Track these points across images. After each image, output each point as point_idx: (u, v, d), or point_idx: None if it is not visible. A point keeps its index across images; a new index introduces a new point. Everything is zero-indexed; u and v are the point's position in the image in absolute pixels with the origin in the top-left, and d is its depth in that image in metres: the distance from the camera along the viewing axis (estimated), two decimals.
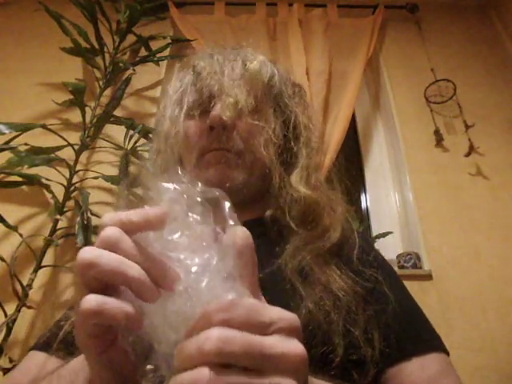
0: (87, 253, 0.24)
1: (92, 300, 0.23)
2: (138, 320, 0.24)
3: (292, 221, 0.53)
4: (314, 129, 0.64)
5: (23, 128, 1.43)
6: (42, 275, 1.34)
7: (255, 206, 0.58)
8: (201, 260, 0.25)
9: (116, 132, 1.66)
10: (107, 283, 0.25)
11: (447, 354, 0.48)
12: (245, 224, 0.27)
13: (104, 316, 0.23)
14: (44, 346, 0.48)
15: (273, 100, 0.61)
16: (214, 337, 0.21)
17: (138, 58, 1.86)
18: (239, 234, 0.26)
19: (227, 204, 0.27)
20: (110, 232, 0.25)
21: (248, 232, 0.27)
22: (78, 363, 0.32)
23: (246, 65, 0.59)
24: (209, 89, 0.57)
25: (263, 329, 0.22)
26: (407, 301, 0.53)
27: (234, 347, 0.21)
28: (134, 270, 0.24)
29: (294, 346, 0.22)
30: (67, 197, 1.44)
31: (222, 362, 0.21)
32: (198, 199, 0.27)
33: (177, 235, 0.26)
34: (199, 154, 0.56)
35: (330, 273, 0.47)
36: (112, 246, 0.24)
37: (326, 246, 0.50)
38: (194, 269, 0.25)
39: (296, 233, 0.52)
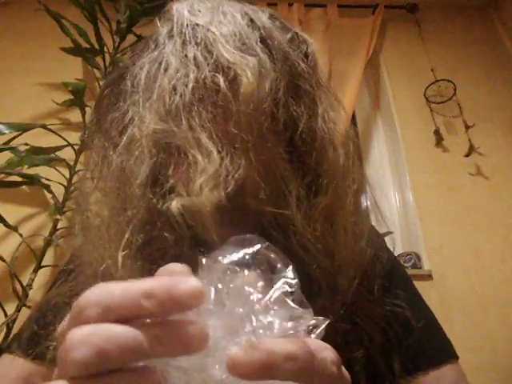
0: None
1: None
2: None
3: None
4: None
5: (23, 128, 1.43)
6: (42, 275, 1.34)
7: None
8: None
9: None
10: None
11: (458, 358, 0.48)
12: None
13: None
14: (26, 352, 0.41)
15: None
16: None
17: None
18: None
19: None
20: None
21: None
22: None
23: (229, 82, 0.36)
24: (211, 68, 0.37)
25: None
26: (423, 312, 0.51)
27: None
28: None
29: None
30: (67, 197, 1.44)
31: None
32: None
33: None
34: None
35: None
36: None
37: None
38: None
39: None
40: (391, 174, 1.86)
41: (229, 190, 0.33)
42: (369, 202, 0.49)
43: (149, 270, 0.37)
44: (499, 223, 1.61)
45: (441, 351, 0.48)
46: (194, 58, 0.36)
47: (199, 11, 0.40)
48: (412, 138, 1.81)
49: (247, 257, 0.22)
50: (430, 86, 1.88)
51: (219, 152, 0.34)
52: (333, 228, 0.40)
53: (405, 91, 1.94)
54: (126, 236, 0.36)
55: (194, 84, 0.35)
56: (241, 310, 0.20)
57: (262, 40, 0.39)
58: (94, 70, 1.73)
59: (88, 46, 1.70)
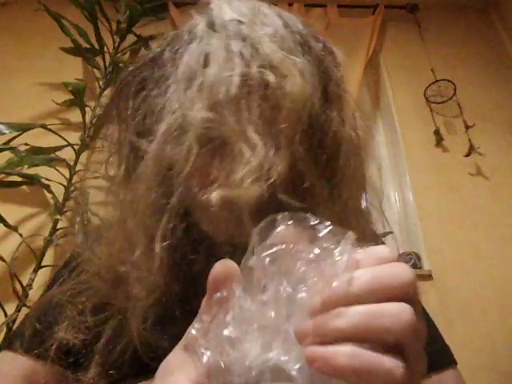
0: None
1: None
2: None
3: None
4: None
5: (23, 128, 1.43)
6: (42, 275, 1.34)
7: None
8: None
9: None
10: None
11: (457, 363, 0.49)
12: None
13: None
14: (28, 350, 0.41)
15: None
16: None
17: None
18: None
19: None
20: None
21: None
22: None
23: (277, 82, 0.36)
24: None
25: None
26: (425, 317, 0.52)
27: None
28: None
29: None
30: (67, 197, 1.44)
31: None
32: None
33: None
34: None
35: None
36: None
37: None
38: None
39: None
40: (391, 174, 1.86)
41: (269, 183, 0.34)
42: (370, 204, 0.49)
43: (178, 264, 0.37)
44: (499, 223, 1.61)
45: (442, 356, 0.48)
46: (240, 53, 0.36)
47: (240, 9, 0.40)
48: (412, 138, 1.81)
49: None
50: (430, 86, 1.88)
51: (264, 145, 0.34)
52: None
53: (405, 91, 1.94)
54: (164, 225, 0.35)
55: (241, 78, 0.35)
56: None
57: (300, 44, 0.40)
58: (94, 69, 1.73)
59: (88, 46, 1.70)
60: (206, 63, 0.36)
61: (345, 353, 0.19)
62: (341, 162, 0.40)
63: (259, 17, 0.40)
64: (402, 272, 0.21)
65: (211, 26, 0.39)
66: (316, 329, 0.20)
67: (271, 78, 0.35)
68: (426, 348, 0.46)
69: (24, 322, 0.45)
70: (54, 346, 0.39)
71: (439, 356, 0.48)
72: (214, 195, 0.34)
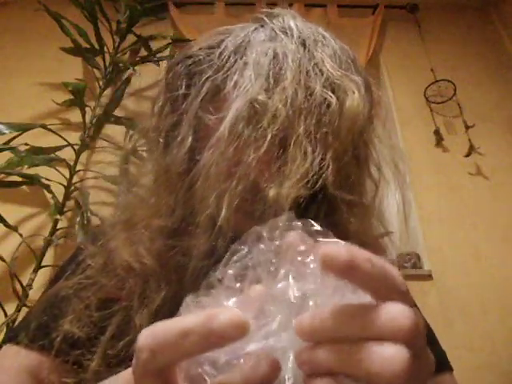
0: None
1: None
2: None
3: None
4: None
5: (23, 128, 1.43)
6: (42, 275, 1.34)
7: None
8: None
9: (116, 132, 1.66)
10: None
11: (452, 370, 0.49)
12: None
13: None
14: (31, 343, 0.41)
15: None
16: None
17: (137, 58, 1.86)
18: None
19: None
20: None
21: None
22: None
23: (331, 103, 0.39)
24: (270, 139, 0.38)
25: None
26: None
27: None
28: None
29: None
30: (67, 197, 1.44)
31: None
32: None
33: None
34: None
35: None
36: None
37: None
38: None
39: None
40: (391, 174, 1.86)
41: (312, 187, 0.38)
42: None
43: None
44: (499, 223, 1.61)
45: (438, 360, 0.49)
46: (307, 71, 0.40)
47: (304, 30, 0.45)
48: (412, 138, 1.81)
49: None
50: (429, 85, 1.89)
51: (313, 153, 0.38)
52: None
53: (405, 91, 1.94)
54: (233, 190, 0.38)
55: (306, 92, 0.39)
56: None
57: (353, 65, 0.44)
58: (94, 69, 1.73)
59: (88, 46, 1.70)
60: (275, 61, 0.40)
61: None
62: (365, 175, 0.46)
63: (319, 37, 0.44)
64: (400, 317, 0.20)
65: (282, 30, 0.44)
66: (307, 361, 0.20)
67: (332, 99, 0.39)
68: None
69: (28, 316, 0.45)
70: (58, 338, 0.39)
71: (436, 359, 0.48)
72: (272, 192, 0.37)
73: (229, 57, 0.42)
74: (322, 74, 0.40)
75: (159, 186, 0.44)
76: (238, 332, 0.18)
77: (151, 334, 0.20)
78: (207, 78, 0.42)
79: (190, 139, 0.42)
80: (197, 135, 0.42)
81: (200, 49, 0.45)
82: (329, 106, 0.39)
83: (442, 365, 0.48)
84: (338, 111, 0.39)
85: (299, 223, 0.24)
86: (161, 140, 0.46)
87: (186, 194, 0.42)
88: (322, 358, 0.20)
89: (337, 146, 0.39)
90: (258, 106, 0.38)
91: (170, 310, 0.38)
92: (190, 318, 0.19)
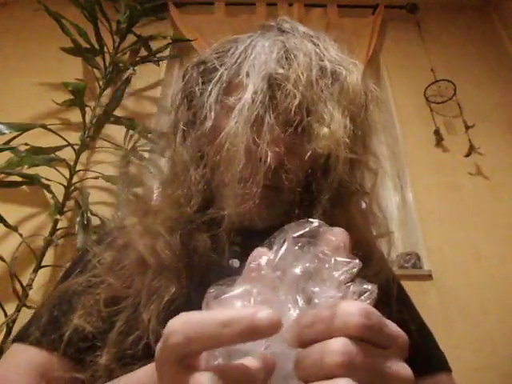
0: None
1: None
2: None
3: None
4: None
5: (23, 128, 1.43)
6: (42, 275, 1.34)
7: None
8: None
9: (116, 132, 1.66)
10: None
11: (451, 371, 0.49)
12: None
13: None
14: (40, 340, 0.41)
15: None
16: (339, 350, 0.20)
17: (137, 58, 1.86)
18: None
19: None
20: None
21: None
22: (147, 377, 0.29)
23: (340, 75, 0.45)
24: (290, 106, 0.41)
25: (386, 342, 0.22)
26: (418, 318, 0.53)
27: (360, 365, 0.20)
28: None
29: (407, 371, 0.23)
30: (67, 197, 1.44)
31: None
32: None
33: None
34: (244, 185, 0.43)
35: None
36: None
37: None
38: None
39: None
40: (391, 174, 1.87)
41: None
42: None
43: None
44: (499, 223, 1.61)
45: (437, 360, 0.49)
46: (316, 51, 0.46)
47: (306, 28, 0.51)
48: (412, 138, 1.81)
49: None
50: (429, 85, 1.88)
51: (333, 115, 0.43)
52: None
53: (405, 91, 1.95)
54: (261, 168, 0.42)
55: (318, 66, 0.44)
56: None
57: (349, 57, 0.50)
58: (94, 69, 1.73)
59: (88, 46, 1.70)
60: (285, 47, 0.45)
61: None
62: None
63: (322, 36, 0.51)
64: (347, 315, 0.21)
65: (287, 28, 0.50)
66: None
67: (342, 70, 0.45)
68: (420, 351, 0.48)
69: (36, 315, 0.45)
70: (68, 333, 0.39)
71: (434, 359, 0.49)
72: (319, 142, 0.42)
73: (239, 54, 0.47)
74: (329, 54, 0.47)
75: (176, 176, 0.46)
76: (272, 329, 0.20)
77: (187, 321, 0.21)
78: (221, 74, 0.46)
79: (212, 120, 0.44)
80: (217, 120, 0.45)
81: (211, 54, 0.50)
82: (338, 77, 0.45)
83: (440, 365, 0.49)
84: (347, 82, 0.45)
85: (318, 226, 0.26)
86: (179, 133, 0.49)
87: (203, 179, 0.45)
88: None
89: (351, 109, 0.44)
90: (276, 78, 0.42)
91: (179, 305, 0.38)
92: (230, 311, 0.21)
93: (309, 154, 0.42)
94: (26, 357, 0.41)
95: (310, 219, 0.26)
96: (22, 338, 0.43)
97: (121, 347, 0.38)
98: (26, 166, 1.34)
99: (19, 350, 0.43)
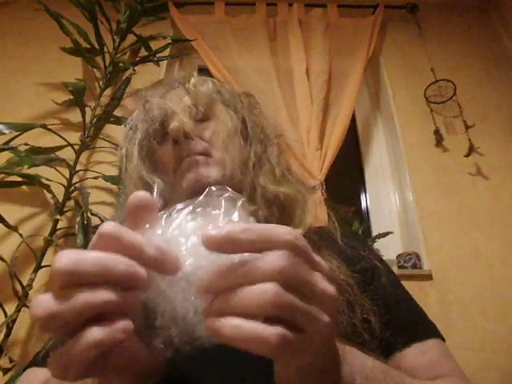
0: (63, 261, 0.23)
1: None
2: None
3: (269, 216, 0.54)
4: (273, 130, 0.69)
5: (23, 128, 1.43)
6: (42, 275, 1.34)
7: None
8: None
9: (116, 132, 1.66)
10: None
11: (444, 340, 0.50)
12: None
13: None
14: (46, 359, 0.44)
15: (223, 104, 0.64)
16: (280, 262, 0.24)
17: (138, 58, 1.86)
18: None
19: (239, 202, 0.29)
20: (108, 228, 0.25)
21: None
22: None
23: (187, 84, 0.63)
24: (159, 116, 0.60)
25: (313, 264, 0.26)
26: (403, 290, 0.55)
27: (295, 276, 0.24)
28: (120, 265, 0.24)
29: (331, 288, 0.26)
30: (67, 197, 1.44)
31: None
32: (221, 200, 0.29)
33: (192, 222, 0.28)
34: (174, 168, 0.58)
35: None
36: (110, 242, 0.25)
37: (303, 232, 0.52)
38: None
39: None
40: (391, 174, 1.86)
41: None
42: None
43: None
44: (499, 223, 1.61)
45: (425, 327, 0.51)
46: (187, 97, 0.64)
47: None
48: (412, 138, 1.81)
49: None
50: (429, 85, 1.88)
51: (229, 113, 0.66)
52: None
53: (405, 91, 1.94)
54: None
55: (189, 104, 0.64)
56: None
57: (224, 97, 0.67)
58: (94, 69, 1.73)
59: (88, 46, 1.70)
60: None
61: (231, 324, 0.23)
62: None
63: (200, 82, 0.65)
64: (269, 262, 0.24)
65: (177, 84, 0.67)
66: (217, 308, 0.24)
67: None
68: (405, 319, 0.50)
69: (45, 344, 0.48)
70: None
71: (420, 326, 0.50)
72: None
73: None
74: (198, 98, 0.63)
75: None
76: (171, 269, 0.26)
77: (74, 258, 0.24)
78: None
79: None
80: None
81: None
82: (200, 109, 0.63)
83: (427, 331, 0.50)
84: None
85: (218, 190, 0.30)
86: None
87: None
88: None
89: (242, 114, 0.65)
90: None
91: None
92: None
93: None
94: (36, 376, 0.44)
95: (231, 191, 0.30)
96: (31, 363, 0.47)
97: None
98: (25, 166, 1.33)
99: (30, 372, 0.46)
